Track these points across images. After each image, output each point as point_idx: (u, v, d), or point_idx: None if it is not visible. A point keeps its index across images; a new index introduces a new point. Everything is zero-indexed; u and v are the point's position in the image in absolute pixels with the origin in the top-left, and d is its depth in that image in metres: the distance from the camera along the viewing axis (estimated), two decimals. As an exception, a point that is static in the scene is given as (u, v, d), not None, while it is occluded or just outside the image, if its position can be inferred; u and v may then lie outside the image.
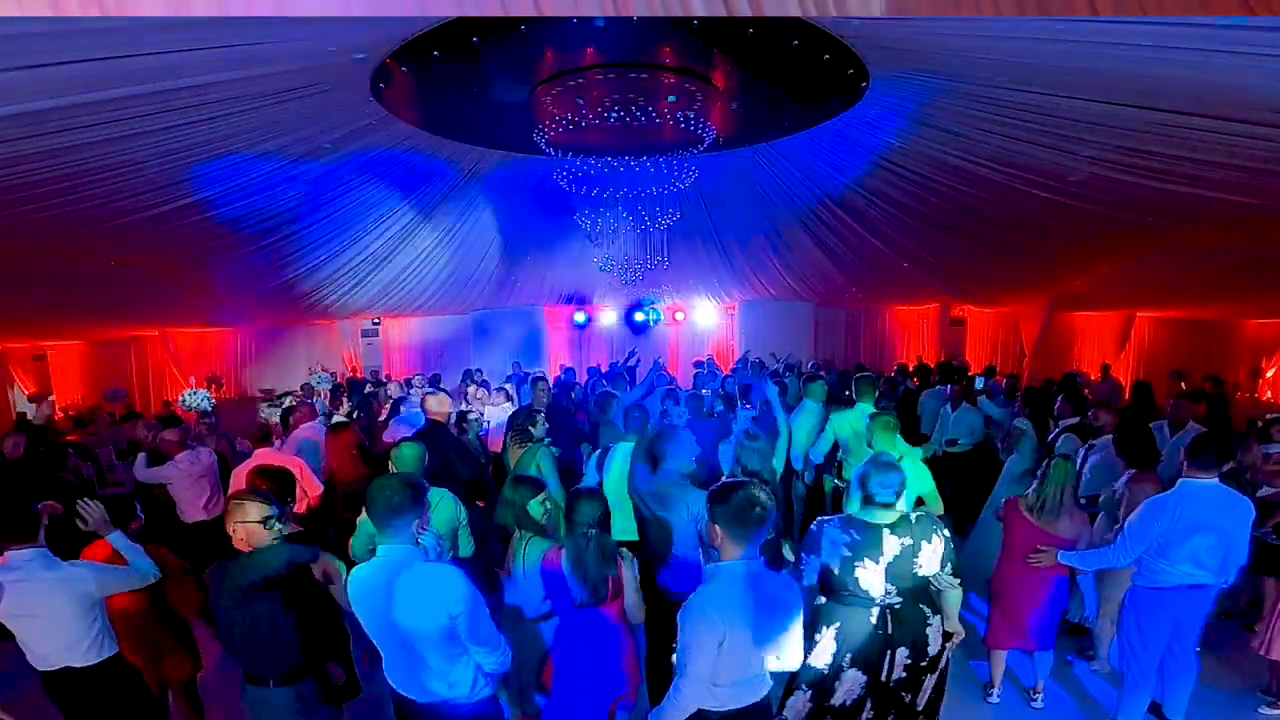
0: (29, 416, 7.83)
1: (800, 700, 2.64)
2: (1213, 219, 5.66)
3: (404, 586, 2.14)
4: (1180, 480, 3.14)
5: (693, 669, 2.00)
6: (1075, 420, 5.16)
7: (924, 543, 2.54)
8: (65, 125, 3.69)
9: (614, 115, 5.22)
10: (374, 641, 2.27)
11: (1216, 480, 3.10)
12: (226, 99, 4.00)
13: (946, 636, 2.72)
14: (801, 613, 2.16)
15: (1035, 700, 3.73)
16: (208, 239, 6.68)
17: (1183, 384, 8.77)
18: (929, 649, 2.62)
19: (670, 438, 3.34)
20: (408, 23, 3.82)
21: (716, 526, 2.09)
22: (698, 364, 10.27)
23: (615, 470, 3.83)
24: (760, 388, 5.04)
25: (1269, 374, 9.66)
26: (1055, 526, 3.40)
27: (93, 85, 3.36)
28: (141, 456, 4.96)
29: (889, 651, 2.58)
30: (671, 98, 5.10)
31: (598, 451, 4.23)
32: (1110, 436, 4.40)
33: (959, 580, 2.63)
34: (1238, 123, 3.82)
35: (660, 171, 6.40)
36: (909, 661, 2.60)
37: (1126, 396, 8.35)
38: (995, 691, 3.75)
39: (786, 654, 2.15)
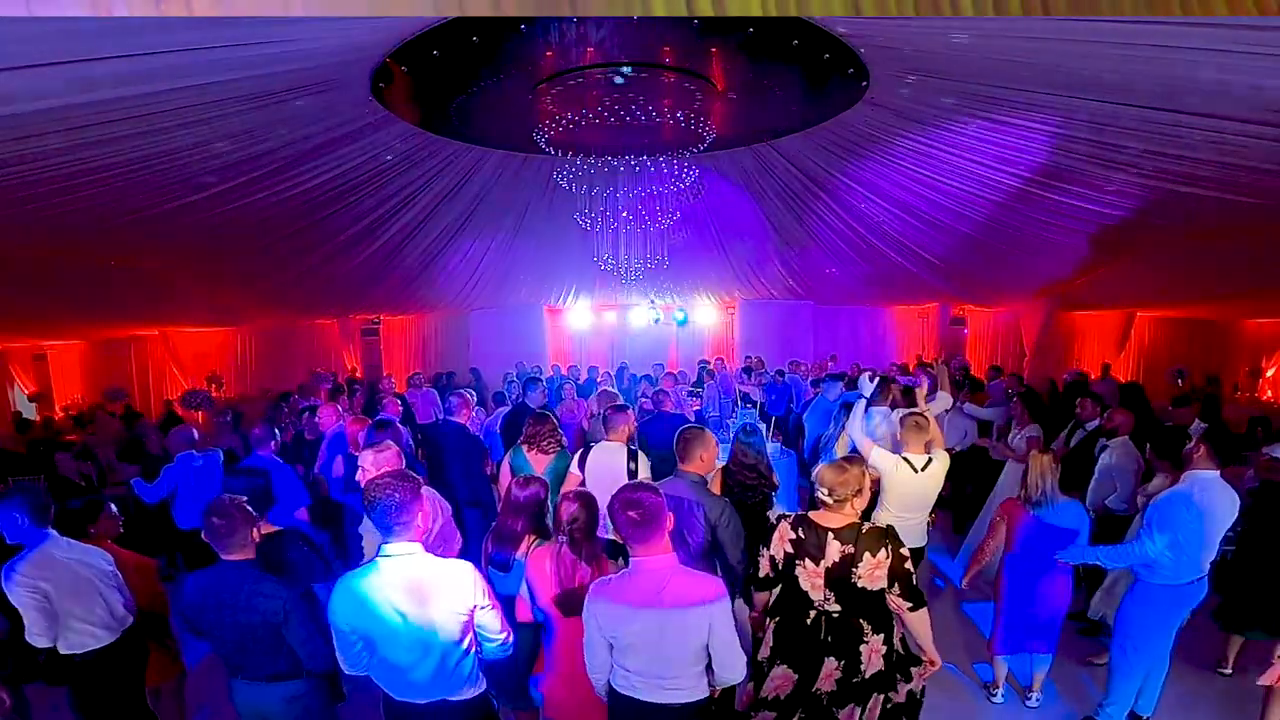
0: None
1: (741, 690, 2.65)
2: (1212, 219, 5.65)
3: (422, 585, 2.10)
4: (1191, 474, 3.16)
5: (586, 634, 2.17)
6: (1097, 423, 5.06)
7: (867, 554, 2.45)
8: (64, 125, 3.68)
9: (613, 115, 5.20)
10: (369, 648, 2.18)
11: (1218, 473, 3.14)
12: (227, 99, 3.99)
13: (906, 664, 2.62)
14: (714, 628, 2.05)
15: (1030, 699, 3.73)
16: (207, 238, 6.68)
17: (1180, 383, 8.79)
18: (862, 667, 2.52)
19: (692, 437, 3.23)
20: (407, 22, 3.82)
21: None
22: (701, 364, 10.30)
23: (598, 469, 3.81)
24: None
25: (1269, 374, 9.64)
26: (1053, 517, 3.40)
27: (92, 86, 3.34)
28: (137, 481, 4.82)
29: (821, 658, 2.53)
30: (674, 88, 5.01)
31: (579, 451, 4.06)
32: (1124, 438, 4.42)
33: (913, 605, 2.50)
34: (1238, 122, 3.82)
35: (660, 171, 6.40)
36: (840, 675, 2.52)
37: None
38: (998, 692, 3.76)
39: (720, 665, 2.11)
